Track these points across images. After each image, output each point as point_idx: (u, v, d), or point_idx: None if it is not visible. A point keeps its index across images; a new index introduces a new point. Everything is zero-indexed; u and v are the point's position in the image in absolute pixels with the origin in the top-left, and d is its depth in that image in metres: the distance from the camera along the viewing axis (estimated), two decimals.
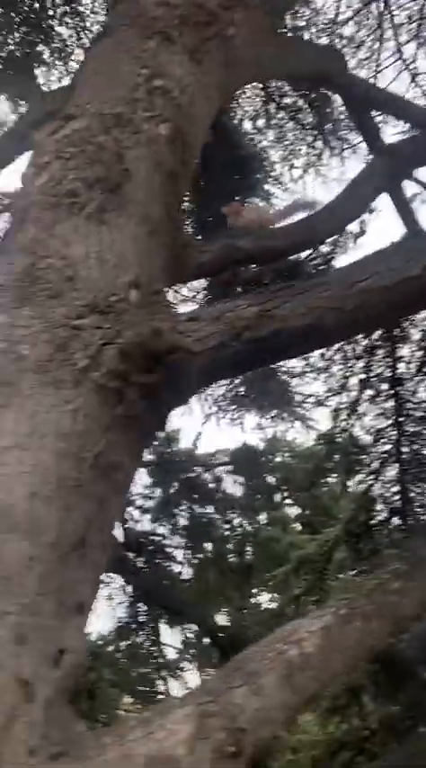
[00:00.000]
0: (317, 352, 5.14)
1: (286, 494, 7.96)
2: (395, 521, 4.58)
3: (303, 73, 3.17)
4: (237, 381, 6.55)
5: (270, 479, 7.56)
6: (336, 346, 5.04)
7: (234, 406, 6.84)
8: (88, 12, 5.35)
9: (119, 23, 2.41)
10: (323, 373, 5.09)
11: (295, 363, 5.22)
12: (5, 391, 1.47)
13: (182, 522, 5.88)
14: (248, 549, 6.62)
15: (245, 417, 6.91)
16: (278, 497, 7.87)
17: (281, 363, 5.69)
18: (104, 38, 2.41)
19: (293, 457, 7.49)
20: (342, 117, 6.05)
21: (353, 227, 5.14)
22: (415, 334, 4.17)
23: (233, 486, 6.96)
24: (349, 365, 4.91)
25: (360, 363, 4.81)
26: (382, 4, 5.40)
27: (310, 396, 5.85)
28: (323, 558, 5.07)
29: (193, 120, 2.28)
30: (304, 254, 4.82)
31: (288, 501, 8.04)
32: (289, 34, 4.70)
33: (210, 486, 6.47)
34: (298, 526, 7.82)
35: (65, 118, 1.95)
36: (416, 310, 2.46)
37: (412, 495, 4.46)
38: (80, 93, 2.15)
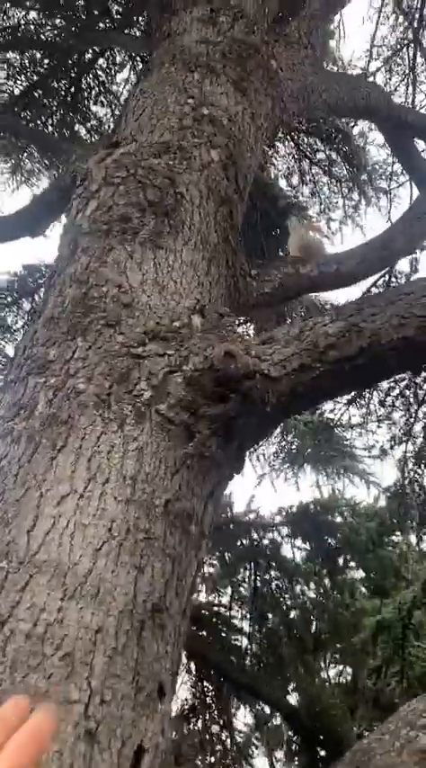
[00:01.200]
0: (376, 399, 4.86)
1: (349, 556, 7.44)
2: None
3: (347, 105, 3.08)
4: (289, 437, 6.25)
5: (332, 541, 7.09)
6: (396, 391, 4.75)
7: (288, 464, 6.52)
8: (121, 90, 5.52)
9: (161, 62, 2.36)
10: (385, 421, 4.78)
11: (352, 411, 4.92)
12: (62, 431, 1.26)
13: (244, 591, 5.46)
14: (315, 618, 6.10)
15: (301, 475, 6.56)
16: (341, 560, 7.35)
17: (337, 414, 5.40)
18: (146, 77, 2.36)
19: (354, 516, 7.03)
20: (377, 166, 6.01)
21: (404, 265, 4.98)
22: None
23: (293, 550, 6.53)
24: (412, 410, 4.60)
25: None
26: (412, 51, 5.42)
27: (370, 447, 5.51)
28: (401, 624, 4.57)
29: (244, 148, 2.16)
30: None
31: (352, 564, 7.50)
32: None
33: (270, 551, 6.07)
34: (366, 591, 7.24)
35: (112, 145, 1.85)
36: None
37: None
38: (125, 126, 2.06)
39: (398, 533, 7.21)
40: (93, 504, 1.17)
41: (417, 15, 5.29)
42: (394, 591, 6.50)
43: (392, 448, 4.71)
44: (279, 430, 5.59)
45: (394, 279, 4.42)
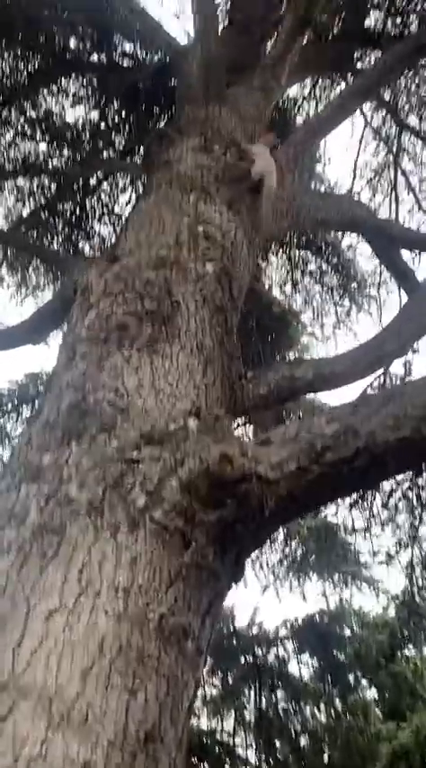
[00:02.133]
0: (378, 501, 4.75)
1: (360, 672, 6.96)
2: None
3: (334, 221, 3.27)
4: (293, 543, 6.04)
5: (341, 656, 6.65)
6: (398, 493, 4.66)
7: (292, 572, 6.25)
8: (124, 210, 5.89)
9: (158, 185, 2.53)
10: (389, 524, 4.64)
11: (355, 514, 4.79)
12: (53, 540, 1.22)
13: (248, 714, 5.04)
14: (326, 744, 5.58)
15: (306, 584, 6.27)
16: (351, 678, 6.87)
17: (339, 518, 5.25)
18: (145, 199, 2.52)
19: (364, 627, 6.65)
20: (366, 276, 6.29)
21: (397, 368, 5.06)
22: None
23: (300, 667, 6.12)
24: (416, 513, 4.48)
25: None
26: (393, 173, 5.85)
27: (376, 553, 5.31)
28: (419, 751, 4.19)
29: (237, 261, 2.27)
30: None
31: (363, 681, 7.00)
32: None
33: (275, 669, 5.68)
34: (380, 713, 6.68)
35: (111, 260, 1.94)
36: None
37: None
38: (124, 242, 2.17)
39: (411, 646, 6.79)
40: (84, 619, 1.11)
41: (395, 141, 5.76)
42: (411, 712, 6.01)
43: (398, 553, 4.54)
44: (281, 536, 5.42)
45: (389, 380, 4.48)
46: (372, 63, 5.42)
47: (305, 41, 4.11)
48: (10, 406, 5.70)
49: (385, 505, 4.55)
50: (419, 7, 5.47)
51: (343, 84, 5.56)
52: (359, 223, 3.24)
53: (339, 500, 3.90)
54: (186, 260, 2.02)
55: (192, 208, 2.29)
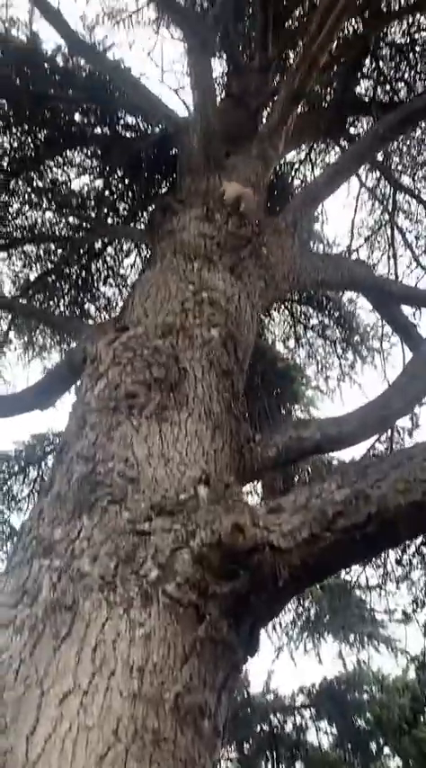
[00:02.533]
0: (392, 557, 4.66)
1: (382, 740, 6.63)
2: None
3: (334, 281, 3.35)
4: (306, 603, 5.88)
5: (361, 723, 6.36)
6: (412, 549, 4.57)
7: (306, 633, 6.06)
8: (129, 272, 6.04)
9: (163, 254, 2.61)
10: (404, 581, 4.55)
11: (370, 572, 4.69)
12: (66, 618, 1.21)
13: None
14: None
15: (321, 645, 6.07)
16: (373, 745, 6.54)
17: (353, 575, 5.14)
18: (150, 267, 2.60)
19: (384, 691, 6.38)
20: (368, 329, 6.37)
21: (405, 422, 5.06)
22: None
23: (318, 735, 5.85)
24: None
25: None
26: (389, 230, 6.02)
27: (392, 611, 5.17)
28: None
29: (242, 325, 2.32)
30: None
31: (386, 749, 6.66)
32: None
33: (292, 738, 5.44)
34: None
35: (119, 329, 1.99)
36: None
37: None
38: (132, 311, 2.23)
39: None
40: (98, 701, 1.08)
41: (390, 200, 5.95)
42: None
43: (414, 611, 4.42)
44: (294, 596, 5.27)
45: (396, 434, 4.48)
46: (365, 129, 5.68)
47: (299, 110, 4.32)
48: (17, 467, 5.69)
49: (399, 562, 4.47)
50: (406, 76, 5.76)
51: (337, 149, 5.80)
52: (360, 282, 3.32)
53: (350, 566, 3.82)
54: (192, 326, 2.07)
55: (197, 275, 2.36)
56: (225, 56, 5.48)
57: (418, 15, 5.31)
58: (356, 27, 4.92)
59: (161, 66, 6.13)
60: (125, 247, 5.92)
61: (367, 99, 5.47)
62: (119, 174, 5.61)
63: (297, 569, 1.37)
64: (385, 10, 4.83)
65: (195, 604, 1.27)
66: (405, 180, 5.93)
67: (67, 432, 1.80)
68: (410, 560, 4.30)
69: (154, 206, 3.12)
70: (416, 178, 5.78)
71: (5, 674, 1.14)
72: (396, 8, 5.02)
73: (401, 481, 1.40)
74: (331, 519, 1.39)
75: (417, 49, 5.56)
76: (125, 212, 5.71)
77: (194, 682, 1.20)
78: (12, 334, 5.88)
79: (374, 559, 4.48)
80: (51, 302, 5.73)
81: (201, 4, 5.50)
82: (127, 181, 5.62)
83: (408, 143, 5.68)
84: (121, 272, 6.04)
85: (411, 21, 5.31)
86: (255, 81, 5.17)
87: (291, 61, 5.22)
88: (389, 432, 4.21)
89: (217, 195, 2.99)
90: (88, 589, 1.25)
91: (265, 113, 4.93)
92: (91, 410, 1.72)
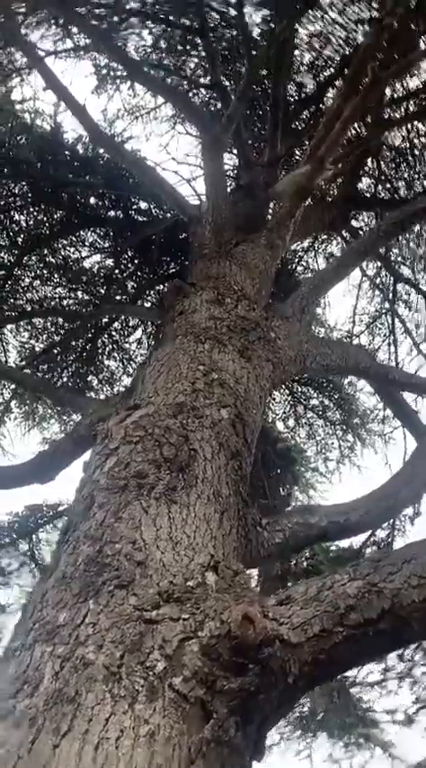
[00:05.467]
0: (393, 654, 4.46)
1: None
2: None
3: (339, 366, 3.42)
4: (301, 700, 5.58)
5: None
6: (413, 645, 4.39)
7: (299, 732, 5.70)
8: (134, 348, 6.15)
9: (174, 335, 2.68)
10: (406, 678, 4.33)
11: (370, 668, 4.47)
12: (68, 710, 1.15)
13: None
14: None
15: (314, 746, 5.69)
16: None
17: (350, 673, 4.90)
18: (160, 347, 2.65)
19: None
20: (368, 412, 6.43)
21: (408, 510, 5.00)
22: None
23: None
24: None
25: None
26: (390, 318, 6.19)
27: (393, 711, 4.88)
28: None
29: (250, 406, 2.34)
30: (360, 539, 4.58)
31: None
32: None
33: None
34: None
35: (132, 407, 2.00)
36: None
37: None
38: (142, 389, 2.26)
39: None
40: None
41: (391, 289, 6.15)
42: None
43: (416, 713, 4.18)
44: None
45: (398, 520, 4.41)
46: (366, 222, 5.97)
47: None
48: (8, 539, 5.55)
49: (401, 657, 4.28)
50: (405, 175, 6.11)
51: (340, 239, 6.06)
52: (363, 369, 3.38)
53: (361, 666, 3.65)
54: (202, 406, 2.09)
55: (207, 357, 2.41)
56: (236, 151, 5.82)
57: (417, 123, 5.70)
58: (359, 132, 5.26)
59: (176, 156, 6.45)
60: (131, 323, 6.05)
61: (368, 195, 5.77)
62: (129, 254, 5.82)
63: (308, 665, 1.32)
64: (386, 117, 5.18)
65: (202, 700, 1.22)
66: (405, 271, 6.16)
67: (74, 510, 1.77)
68: (412, 655, 4.12)
69: (165, 287, 3.22)
70: (416, 270, 6.01)
71: None
72: (397, 117, 5.39)
73: (414, 576, 1.38)
74: (343, 613, 1.36)
75: (416, 152, 5.93)
76: (133, 290, 5.88)
77: None
78: (13, 403, 5.90)
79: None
80: (55, 373, 5.80)
81: (215, 104, 5.89)
82: (136, 261, 5.83)
83: (408, 236, 5.94)
84: (126, 346, 6.15)
85: (410, 127, 5.69)
86: (264, 175, 5.46)
87: (298, 157, 5.55)
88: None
89: (228, 281, 3.10)
90: (92, 680, 1.20)
91: (273, 205, 5.20)
92: (100, 488, 1.71)
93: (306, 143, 5.75)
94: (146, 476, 1.71)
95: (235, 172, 5.84)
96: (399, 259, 6.22)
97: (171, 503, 1.65)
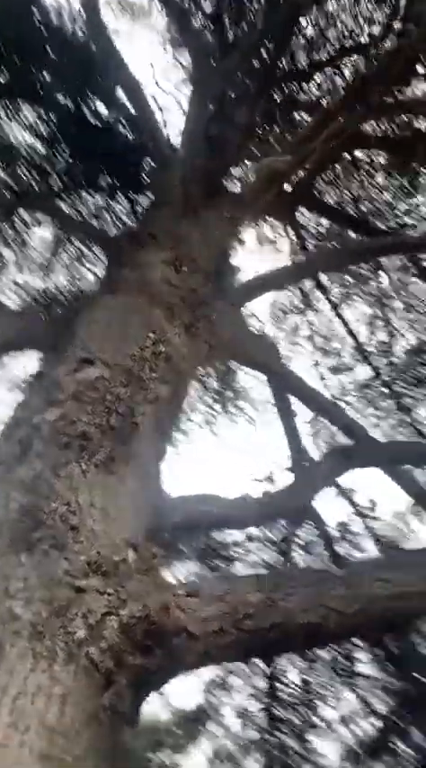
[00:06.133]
0: None
1: None
2: None
3: (252, 358, 3.60)
4: None
5: None
6: None
7: None
8: None
9: (128, 286, 2.65)
10: None
11: None
12: None
13: None
14: None
15: None
16: None
17: None
18: (111, 293, 2.60)
19: None
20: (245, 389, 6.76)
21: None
22: None
23: None
24: None
25: None
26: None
27: None
28: None
29: (186, 385, 2.43)
30: None
31: None
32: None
33: None
34: None
35: (82, 361, 1.99)
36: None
37: None
38: (90, 338, 2.23)
39: None
40: (11, 755, 1.11)
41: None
42: None
43: None
44: None
45: None
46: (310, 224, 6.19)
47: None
48: None
49: None
50: (352, 191, 6.38)
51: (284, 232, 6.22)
52: (266, 364, 3.60)
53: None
54: (148, 378, 2.14)
55: (158, 324, 2.44)
56: (216, 101, 5.65)
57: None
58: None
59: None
60: None
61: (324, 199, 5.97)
62: (66, 152, 5.48)
63: (202, 655, 1.49)
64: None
65: (109, 671, 1.34)
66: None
67: (5, 444, 1.76)
68: None
69: (123, 231, 3.14)
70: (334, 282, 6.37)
71: None
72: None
73: (307, 601, 1.60)
74: (241, 618, 1.54)
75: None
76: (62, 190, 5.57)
77: (90, 748, 1.25)
78: None
79: None
80: None
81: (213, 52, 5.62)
82: (75, 162, 5.51)
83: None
84: None
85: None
86: (237, 136, 5.37)
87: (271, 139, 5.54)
88: None
89: (188, 248, 3.09)
90: (17, 635, 1.27)
91: (237, 173, 5.16)
92: (40, 437, 1.72)
93: (286, 130, 5.77)
94: (91, 439, 1.74)
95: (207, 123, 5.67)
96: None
97: (108, 473, 1.72)
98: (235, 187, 4.31)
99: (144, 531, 1.80)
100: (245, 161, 5.49)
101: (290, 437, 4.48)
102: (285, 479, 3.83)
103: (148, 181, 4.85)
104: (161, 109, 5.46)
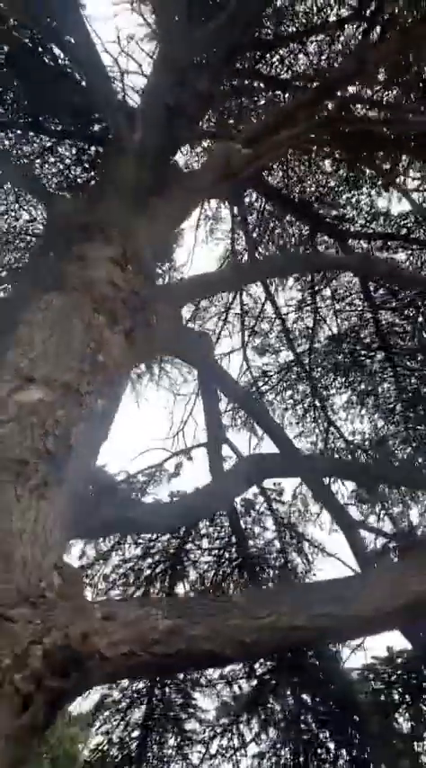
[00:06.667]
0: None
1: None
2: None
3: (184, 352, 3.73)
4: None
5: None
6: None
7: None
8: None
9: (70, 284, 2.67)
10: None
11: None
12: None
13: None
14: None
15: None
16: None
17: None
18: (58, 291, 2.61)
19: None
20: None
21: (170, 466, 5.66)
22: None
23: None
24: None
25: None
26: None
27: None
28: None
29: (117, 396, 2.54)
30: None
31: None
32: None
33: None
34: None
35: (25, 378, 2.05)
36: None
37: None
38: (30, 344, 2.27)
39: None
40: None
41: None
42: None
43: None
44: None
45: None
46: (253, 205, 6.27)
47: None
48: None
49: None
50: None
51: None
52: (195, 358, 3.75)
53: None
54: (85, 393, 2.23)
55: (98, 333, 2.50)
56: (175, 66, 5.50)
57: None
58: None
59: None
60: None
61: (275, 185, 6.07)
62: None
63: (112, 673, 1.69)
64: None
65: (29, 694, 1.50)
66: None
67: None
68: None
69: (71, 220, 3.11)
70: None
71: None
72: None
73: (208, 630, 1.82)
74: (150, 643, 1.74)
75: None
76: None
77: (8, 764, 1.43)
78: None
79: None
80: None
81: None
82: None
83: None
84: None
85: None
86: (192, 108, 5.29)
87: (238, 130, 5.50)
88: None
89: (135, 245, 3.12)
90: None
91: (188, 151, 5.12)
92: None
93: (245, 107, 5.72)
94: (26, 464, 1.84)
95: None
96: None
97: (40, 498, 1.83)
98: (187, 176, 4.29)
99: (68, 547, 1.95)
100: (199, 140, 5.45)
101: (209, 418, 4.69)
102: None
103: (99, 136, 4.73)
104: (122, 73, 5.27)
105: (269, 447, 5.00)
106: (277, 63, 6.13)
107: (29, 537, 1.73)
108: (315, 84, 5.37)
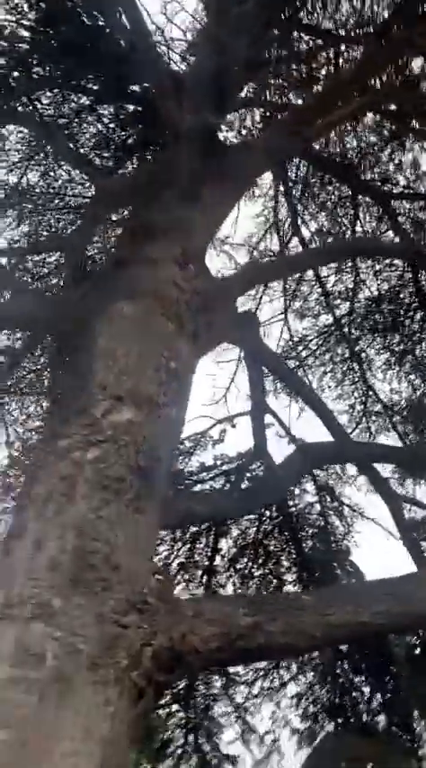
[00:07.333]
0: None
1: None
2: None
3: (235, 339, 3.88)
4: None
5: None
6: None
7: None
8: None
9: (140, 289, 2.81)
10: None
11: None
12: (62, 689, 1.62)
13: None
14: None
15: None
16: None
17: None
18: (132, 299, 2.74)
19: None
20: None
21: (215, 433, 5.92)
22: None
23: None
24: None
25: None
26: None
27: None
28: None
29: (187, 399, 2.73)
30: None
31: None
32: None
33: None
34: None
35: (114, 398, 2.25)
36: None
37: None
38: (112, 358, 2.44)
39: None
40: (85, 764, 1.55)
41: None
42: None
43: None
44: None
45: None
46: None
47: None
48: None
49: None
50: None
51: None
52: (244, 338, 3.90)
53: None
54: (162, 404, 2.42)
55: (170, 341, 2.67)
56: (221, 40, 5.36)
57: None
58: None
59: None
60: None
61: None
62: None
63: (204, 664, 1.97)
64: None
65: (143, 688, 1.78)
66: None
67: (47, 475, 2.05)
68: None
69: (135, 223, 3.21)
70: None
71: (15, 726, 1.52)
72: None
73: (285, 624, 2.08)
74: (234, 639, 2.01)
75: None
76: None
77: (127, 749, 1.73)
78: None
79: None
80: None
81: None
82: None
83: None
84: None
85: None
86: (238, 78, 5.20)
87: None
88: None
89: (193, 242, 3.20)
90: (81, 666, 1.67)
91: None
92: (84, 478, 2.02)
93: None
94: (123, 480, 2.06)
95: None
96: None
97: (137, 511, 2.06)
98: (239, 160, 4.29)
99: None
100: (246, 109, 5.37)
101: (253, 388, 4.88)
102: None
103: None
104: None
105: (310, 415, 5.18)
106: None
107: (130, 548, 1.98)
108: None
